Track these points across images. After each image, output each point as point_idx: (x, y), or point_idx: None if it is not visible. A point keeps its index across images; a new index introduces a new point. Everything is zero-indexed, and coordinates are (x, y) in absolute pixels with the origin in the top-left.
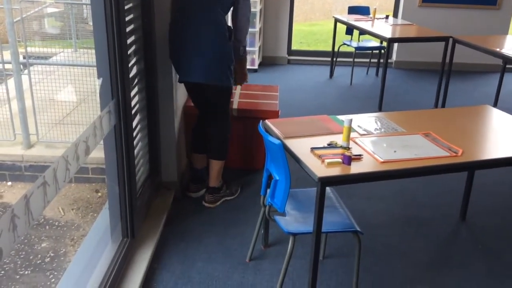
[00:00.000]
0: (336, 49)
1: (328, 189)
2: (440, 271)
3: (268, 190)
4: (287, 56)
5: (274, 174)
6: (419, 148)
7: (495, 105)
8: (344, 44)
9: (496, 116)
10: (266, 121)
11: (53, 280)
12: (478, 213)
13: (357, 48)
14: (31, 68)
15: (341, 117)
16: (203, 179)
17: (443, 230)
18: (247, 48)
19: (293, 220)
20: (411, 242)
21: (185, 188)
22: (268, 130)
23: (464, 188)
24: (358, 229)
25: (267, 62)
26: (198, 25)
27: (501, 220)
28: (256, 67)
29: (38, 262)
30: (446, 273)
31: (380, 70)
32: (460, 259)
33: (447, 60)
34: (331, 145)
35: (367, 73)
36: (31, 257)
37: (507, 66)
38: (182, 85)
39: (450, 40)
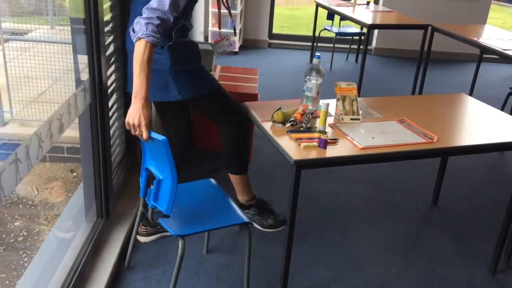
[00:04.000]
0: (317, 34)
1: (213, 182)
2: (411, 254)
3: (149, 191)
4: (268, 39)
5: (156, 173)
6: (396, 134)
7: (470, 93)
8: (325, 29)
9: (470, 104)
10: (246, 103)
11: (26, 259)
12: (449, 199)
13: (337, 34)
14: (6, 44)
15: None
16: (155, 223)
17: (415, 214)
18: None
19: (181, 220)
20: (383, 225)
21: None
22: None
23: (437, 174)
24: (247, 220)
25: (248, 45)
26: None
27: (471, 205)
28: (236, 49)
29: (11, 241)
30: (416, 256)
31: (360, 56)
32: (431, 243)
33: (426, 48)
34: (308, 129)
35: (347, 59)
36: (3, 236)
37: (484, 55)
38: None
39: (429, 28)
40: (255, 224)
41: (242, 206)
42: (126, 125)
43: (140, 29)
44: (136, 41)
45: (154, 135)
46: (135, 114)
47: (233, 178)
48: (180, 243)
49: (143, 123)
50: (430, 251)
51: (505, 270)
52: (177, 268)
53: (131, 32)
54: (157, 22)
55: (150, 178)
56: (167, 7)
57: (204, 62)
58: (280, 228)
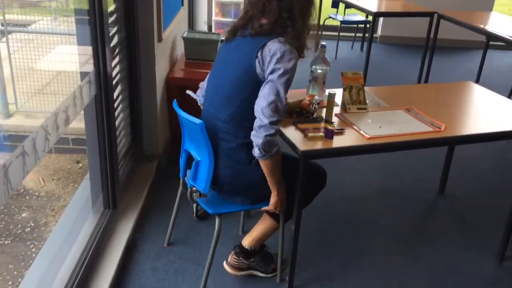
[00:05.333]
0: (321, 22)
1: None
2: (418, 242)
3: (189, 171)
4: None
5: (194, 155)
6: (403, 124)
7: (477, 81)
8: (330, 17)
9: (477, 92)
10: None
11: (34, 250)
12: (456, 187)
13: (342, 22)
14: (10, 36)
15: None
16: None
17: (422, 203)
18: None
19: (217, 199)
20: (390, 214)
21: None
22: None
23: (443, 163)
24: None
25: None
26: None
27: (479, 194)
28: None
29: (18, 232)
30: (423, 244)
31: (365, 44)
32: (438, 232)
33: (432, 35)
34: (315, 119)
35: (352, 47)
36: (11, 227)
37: (490, 42)
38: (164, 55)
39: (435, 16)
40: (257, 272)
41: (245, 252)
42: (274, 207)
43: (271, 147)
44: (267, 158)
45: (191, 118)
46: (282, 203)
47: (264, 221)
48: (217, 220)
49: (284, 207)
50: (437, 240)
51: None
52: (214, 244)
53: (259, 147)
54: (279, 128)
55: (189, 159)
56: (284, 97)
57: (208, 52)
58: (282, 266)
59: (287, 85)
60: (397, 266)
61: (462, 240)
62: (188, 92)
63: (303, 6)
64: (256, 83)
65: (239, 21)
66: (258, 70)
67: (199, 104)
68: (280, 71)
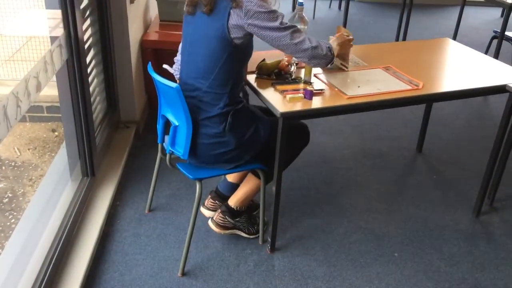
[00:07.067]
0: None
1: None
2: (397, 201)
3: (167, 137)
4: None
5: (172, 120)
6: (382, 83)
7: (454, 38)
8: None
9: (455, 49)
10: None
11: (13, 220)
12: (434, 145)
13: None
14: None
15: None
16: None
17: (400, 162)
18: None
19: (197, 165)
20: (369, 174)
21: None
22: (162, 72)
23: (421, 121)
24: (260, 166)
25: None
26: None
27: (456, 150)
28: None
29: None
30: (402, 202)
31: (343, 3)
32: (416, 188)
33: None
34: (293, 80)
35: (329, 6)
36: None
37: None
38: (137, 18)
39: None
40: (241, 232)
41: (231, 211)
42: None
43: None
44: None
45: (167, 82)
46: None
47: (248, 182)
48: (198, 186)
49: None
50: (415, 198)
51: (489, 212)
52: (195, 209)
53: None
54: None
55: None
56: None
57: (183, 13)
58: (264, 228)
59: (275, 13)
60: (376, 223)
61: (439, 196)
62: (165, 66)
63: None
64: (232, 47)
65: None
66: (234, 30)
67: (176, 79)
68: (262, 18)
